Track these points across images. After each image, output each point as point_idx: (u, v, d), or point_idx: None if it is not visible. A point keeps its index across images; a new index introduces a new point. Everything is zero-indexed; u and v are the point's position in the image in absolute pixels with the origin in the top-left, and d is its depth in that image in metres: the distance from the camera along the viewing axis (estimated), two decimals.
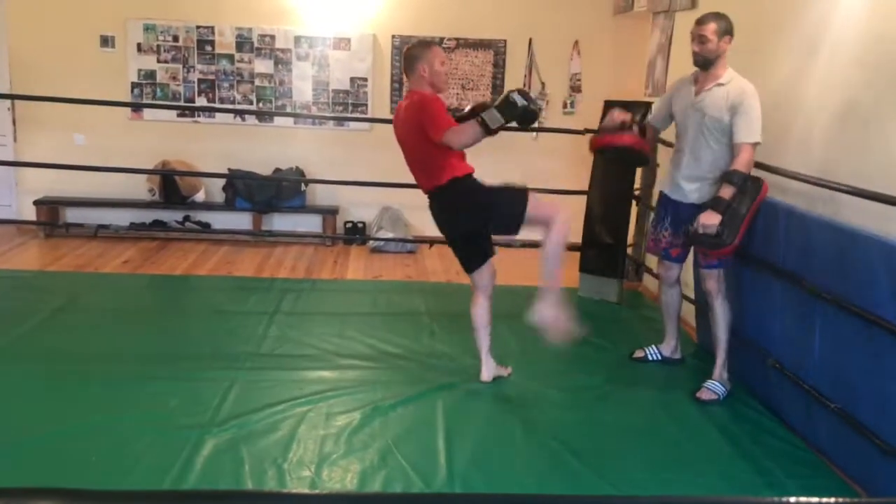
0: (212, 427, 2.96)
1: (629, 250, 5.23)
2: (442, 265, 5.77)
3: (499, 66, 6.41)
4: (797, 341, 3.16)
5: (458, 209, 3.36)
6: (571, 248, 5.23)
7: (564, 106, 6.54)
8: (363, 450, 2.89)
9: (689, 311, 4.26)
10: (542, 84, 6.45)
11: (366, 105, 6.42)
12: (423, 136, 3.18)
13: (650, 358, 3.96)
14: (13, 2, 6.07)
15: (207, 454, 2.77)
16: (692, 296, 4.07)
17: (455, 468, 2.78)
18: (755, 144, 3.30)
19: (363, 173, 5.62)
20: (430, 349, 3.98)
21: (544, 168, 6.28)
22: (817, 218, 3.12)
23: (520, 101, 3.09)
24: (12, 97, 5.94)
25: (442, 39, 6.32)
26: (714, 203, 3.31)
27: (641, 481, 2.76)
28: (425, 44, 3.41)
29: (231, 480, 2.62)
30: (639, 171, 5.13)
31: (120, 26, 6.21)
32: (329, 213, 6.41)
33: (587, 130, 5.12)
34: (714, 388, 3.51)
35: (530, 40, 6.38)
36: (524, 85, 6.36)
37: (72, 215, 6.31)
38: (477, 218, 3.36)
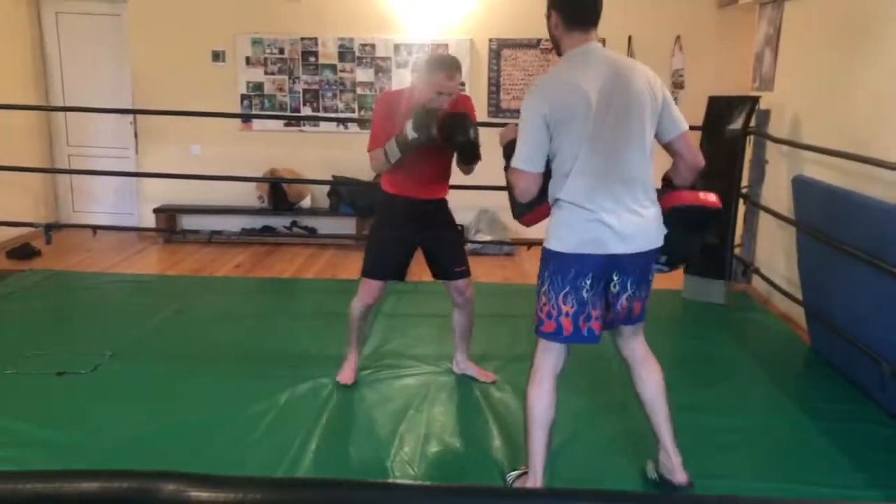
0: (317, 425, 3.07)
1: (736, 251, 5.04)
2: None
3: None
4: None
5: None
6: None
7: None
8: (465, 449, 2.92)
9: (798, 312, 4.06)
10: None
11: None
12: None
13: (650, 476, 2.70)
14: (136, 23, 6.49)
15: (314, 452, 2.86)
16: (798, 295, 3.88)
17: (557, 469, 2.76)
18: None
19: (460, 176, 5.65)
20: (529, 352, 3.96)
21: None
22: None
23: (411, 134, 2.95)
24: (134, 112, 6.34)
25: (539, 41, 6.30)
26: None
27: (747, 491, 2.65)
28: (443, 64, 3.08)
29: (337, 477, 2.70)
30: (746, 166, 4.94)
31: (229, 41, 6.52)
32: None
33: (692, 127, 4.97)
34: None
35: (629, 37, 6.26)
36: None
37: (188, 222, 6.67)
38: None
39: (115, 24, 6.60)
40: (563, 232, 2.34)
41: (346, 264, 5.85)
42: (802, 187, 3.92)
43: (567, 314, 2.34)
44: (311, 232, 6.58)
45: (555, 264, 2.35)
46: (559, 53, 2.41)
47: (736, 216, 4.86)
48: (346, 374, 3.50)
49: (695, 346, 4.16)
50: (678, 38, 6.28)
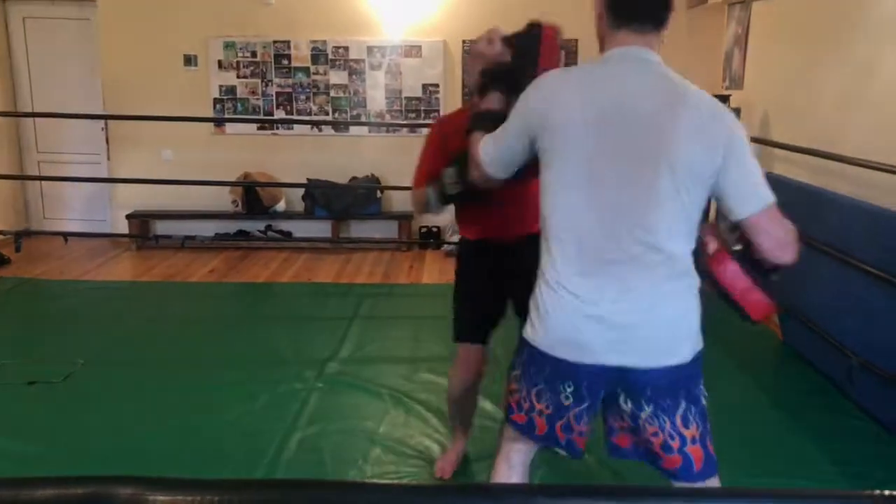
0: (295, 429, 3.05)
1: None
2: None
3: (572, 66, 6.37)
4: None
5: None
6: None
7: None
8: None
9: None
10: None
11: (438, 111, 6.47)
12: None
13: None
14: (105, 28, 6.41)
15: (291, 455, 2.85)
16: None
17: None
18: None
19: None
20: (507, 350, 3.98)
21: None
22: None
23: (450, 188, 2.24)
24: (105, 117, 6.27)
25: None
26: None
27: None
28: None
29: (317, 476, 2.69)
30: None
31: (201, 45, 6.47)
32: (404, 218, 6.49)
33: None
34: None
35: (576, 41, 6.30)
36: None
37: (161, 228, 6.60)
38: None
39: (85, 29, 6.52)
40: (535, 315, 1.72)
41: (321, 267, 5.82)
42: (772, 185, 3.97)
43: (541, 413, 1.73)
44: (287, 236, 6.55)
45: (528, 354, 1.75)
46: None
47: (707, 214, 4.90)
48: (444, 465, 2.78)
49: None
50: None
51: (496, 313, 2.57)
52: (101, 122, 6.52)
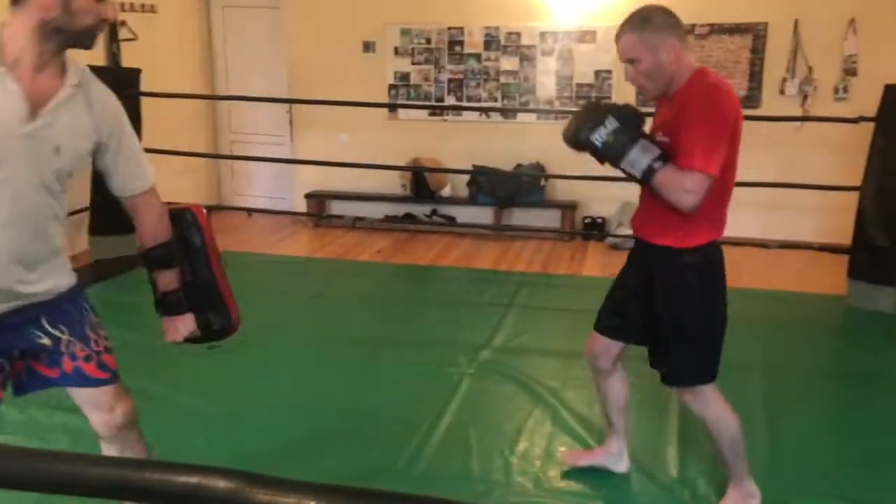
0: (444, 413, 3.08)
1: None
2: None
3: (757, 51, 5.90)
4: None
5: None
6: (839, 250, 4.71)
7: (836, 91, 5.85)
8: (586, 448, 2.83)
9: None
10: (809, 69, 5.83)
11: (609, 98, 6.27)
12: None
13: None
14: (293, 16, 6.80)
15: (438, 440, 2.88)
16: None
17: (687, 474, 2.62)
18: None
19: (604, 168, 5.49)
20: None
21: (808, 162, 5.71)
22: None
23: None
24: (290, 101, 6.66)
25: (693, 27, 5.97)
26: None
27: None
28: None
29: (459, 468, 2.70)
30: None
31: (380, 32, 6.68)
32: (568, 208, 6.37)
33: (861, 118, 4.54)
34: None
35: (796, 21, 5.80)
36: (787, 69, 5.81)
37: (335, 208, 6.93)
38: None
39: (275, 17, 6.94)
40: None
41: (481, 253, 5.85)
42: None
43: None
44: (450, 220, 6.64)
45: None
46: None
47: None
48: (577, 455, 2.76)
49: (856, 358, 3.80)
50: (852, 20, 5.74)
51: None
52: (286, 106, 6.93)
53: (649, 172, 2.08)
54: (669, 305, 2.21)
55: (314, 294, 4.74)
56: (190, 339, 2.08)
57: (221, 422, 3.02)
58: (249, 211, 6.20)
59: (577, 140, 2.20)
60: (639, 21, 2.19)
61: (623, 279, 2.42)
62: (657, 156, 2.07)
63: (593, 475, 2.66)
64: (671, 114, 2.14)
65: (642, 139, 2.11)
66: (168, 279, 1.96)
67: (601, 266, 5.51)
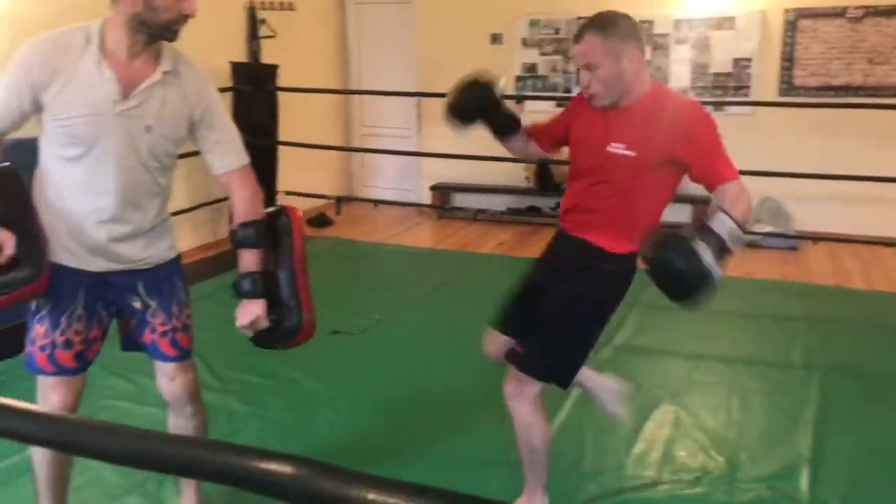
0: (559, 410, 3.03)
1: None
2: (832, 266, 5.09)
3: None
4: None
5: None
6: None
7: None
8: (708, 457, 2.70)
9: None
10: None
11: (748, 87, 5.93)
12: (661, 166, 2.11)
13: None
14: (423, 10, 6.90)
15: (551, 437, 2.83)
16: None
17: (819, 496, 2.44)
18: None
19: (743, 160, 5.20)
20: (806, 359, 3.55)
21: None
22: None
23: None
24: (416, 95, 6.77)
25: (845, 9, 5.53)
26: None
27: None
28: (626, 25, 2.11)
29: (571, 468, 2.65)
30: None
31: (508, 24, 6.65)
32: (702, 202, 6.09)
33: None
34: None
35: None
36: None
37: (458, 199, 6.98)
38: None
39: (406, 12, 7.07)
40: None
41: None
42: None
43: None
44: None
45: None
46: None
47: None
48: None
49: None
50: None
51: None
52: (415, 99, 7.05)
53: (733, 226, 1.99)
54: (568, 293, 2.21)
55: (437, 284, 4.80)
56: (259, 338, 2.08)
57: (335, 403, 3.13)
58: (375, 202, 6.36)
59: (702, 281, 1.89)
60: (604, 25, 2.05)
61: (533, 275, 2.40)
62: (718, 220, 1.97)
63: (713, 487, 2.53)
64: (637, 130, 2.04)
65: (698, 235, 1.92)
66: (250, 259, 2.01)
67: (736, 264, 5.21)
